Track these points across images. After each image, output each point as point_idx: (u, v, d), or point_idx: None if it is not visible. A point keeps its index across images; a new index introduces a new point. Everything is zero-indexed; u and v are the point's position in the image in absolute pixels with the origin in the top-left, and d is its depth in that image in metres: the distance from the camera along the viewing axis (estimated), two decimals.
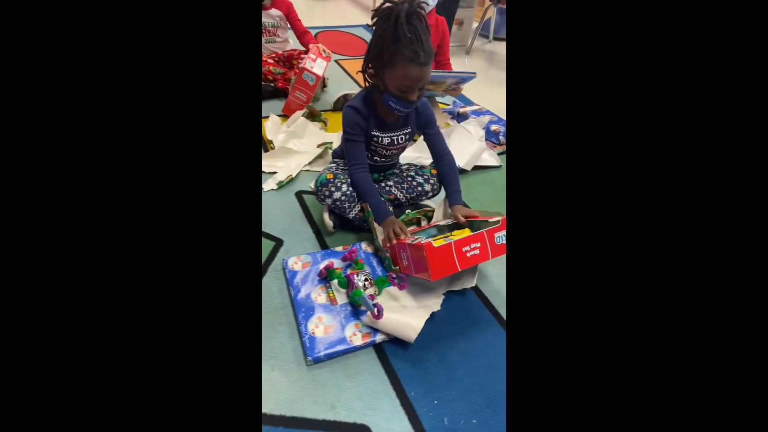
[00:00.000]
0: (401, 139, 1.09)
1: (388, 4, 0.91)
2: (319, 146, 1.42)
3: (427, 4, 1.55)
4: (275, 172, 1.32)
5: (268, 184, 1.27)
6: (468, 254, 0.87)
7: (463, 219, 1.01)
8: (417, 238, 0.94)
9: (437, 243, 0.86)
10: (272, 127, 1.50)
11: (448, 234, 1.00)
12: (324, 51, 1.66)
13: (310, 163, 1.38)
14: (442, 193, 1.15)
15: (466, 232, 0.99)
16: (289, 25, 1.82)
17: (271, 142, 1.44)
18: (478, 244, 0.88)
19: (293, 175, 1.31)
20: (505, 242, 0.92)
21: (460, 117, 1.68)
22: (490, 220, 0.94)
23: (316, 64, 1.60)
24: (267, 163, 1.36)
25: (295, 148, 1.42)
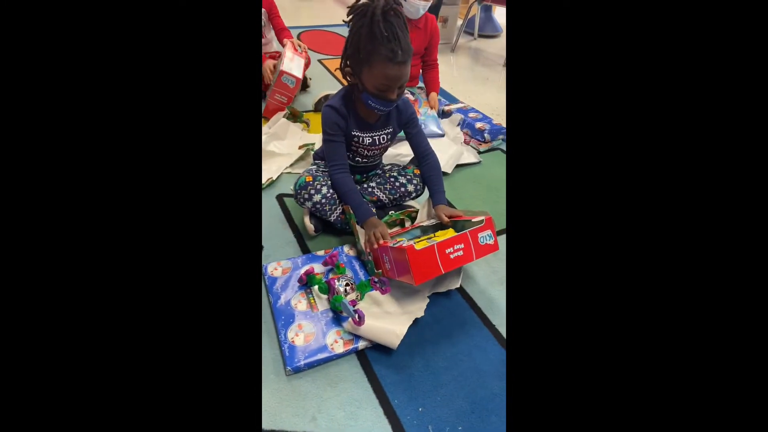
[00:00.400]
0: (383, 138, 1.07)
1: (363, 0, 0.89)
2: (300, 147, 1.39)
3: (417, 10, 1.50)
4: None
5: None
6: (451, 256, 0.85)
7: (446, 219, 0.98)
8: (399, 241, 0.91)
9: (419, 245, 0.83)
10: None
11: (432, 235, 0.97)
12: (299, 46, 1.62)
13: (291, 165, 1.35)
14: (426, 194, 1.13)
15: (450, 233, 0.97)
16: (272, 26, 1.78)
17: None
18: (462, 245, 0.86)
19: (273, 179, 1.28)
20: (489, 242, 0.90)
21: (445, 114, 1.66)
22: (474, 220, 0.92)
23: (294, 64, 1.55)
24: None
25: (276, 150, 1.39)
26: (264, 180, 1.26)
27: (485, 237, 0.89)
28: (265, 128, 1.49)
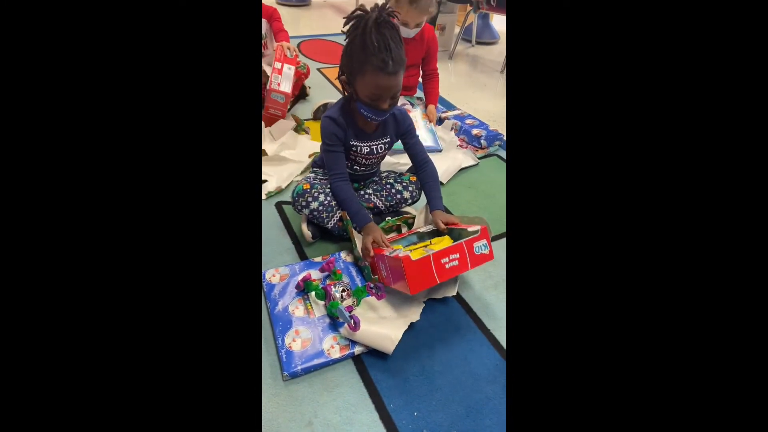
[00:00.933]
0: (380, 148, 1.08)
1: (358, 12, 0.91)
2: (310, 156, 1.42)
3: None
4: (265, 181, 1.31)
5: None
6: (447, 266, 0.86)
7: (443, 225, 1.00)
8: (396, 249, 0.93)
9: (415, 255, 0.85)
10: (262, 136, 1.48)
11: (429, 242, 0.99)
12: (288, 49, 1.56)
13: (301, 173, 1.37)
14: (422, 201, 1.14)
15: (446, 240, 0.98)
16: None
17: (264, 151, 1.42)
18: (457, 255, 0.88)
19: (283, 187, 1.29)
20: (484, 252, 0.91)
21: (441, 121, 1.68)
22: (470, 229, 0.93)
23: (283, 78, 1.49)
24: None
25: (288, 157, 1.41)
26: (274, 188, 1.28)
27: (480, 246, 0.91)
28: (266, 132, 1.50)
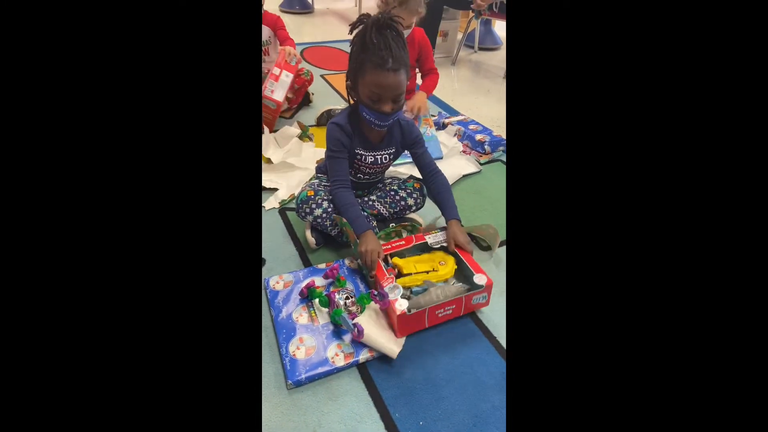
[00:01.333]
0: (385, 158, 1.08)
1: (362, 17, 0.91)
2: (318, 162, 1.41)
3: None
4: (276, 189, 1.31)
5: (269, 203, 1.25)
6: (440, 315, 0.88)
7: (453, 248, 0.98)
8: (395, 287, 0.88)
9: (415, 282, 0.89)
10: (266, 143, 1.47)
11: (432, 267, 0.97)
12: (289, 54, 1.54)
13: (310, 180, 1.37)
14: (425, 207, 1.13)
15: (450, 264, 0.97)
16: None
17: (269, 159, 1.42)
18: (453, 306, 0.88)
19: (296, 194, 1.29)
20: (481, 302, 0.92)
21: (444, 127, 1.68)
22: (476, 278, 0.90)
23: (278, 86, 1.45)
24: (266, 177, 1.34)
25: (295, 164, 1.41)
26: (287, 196, 1.28)
27: (479, 298, 0.91)
28: (272, 139, 1.50)
